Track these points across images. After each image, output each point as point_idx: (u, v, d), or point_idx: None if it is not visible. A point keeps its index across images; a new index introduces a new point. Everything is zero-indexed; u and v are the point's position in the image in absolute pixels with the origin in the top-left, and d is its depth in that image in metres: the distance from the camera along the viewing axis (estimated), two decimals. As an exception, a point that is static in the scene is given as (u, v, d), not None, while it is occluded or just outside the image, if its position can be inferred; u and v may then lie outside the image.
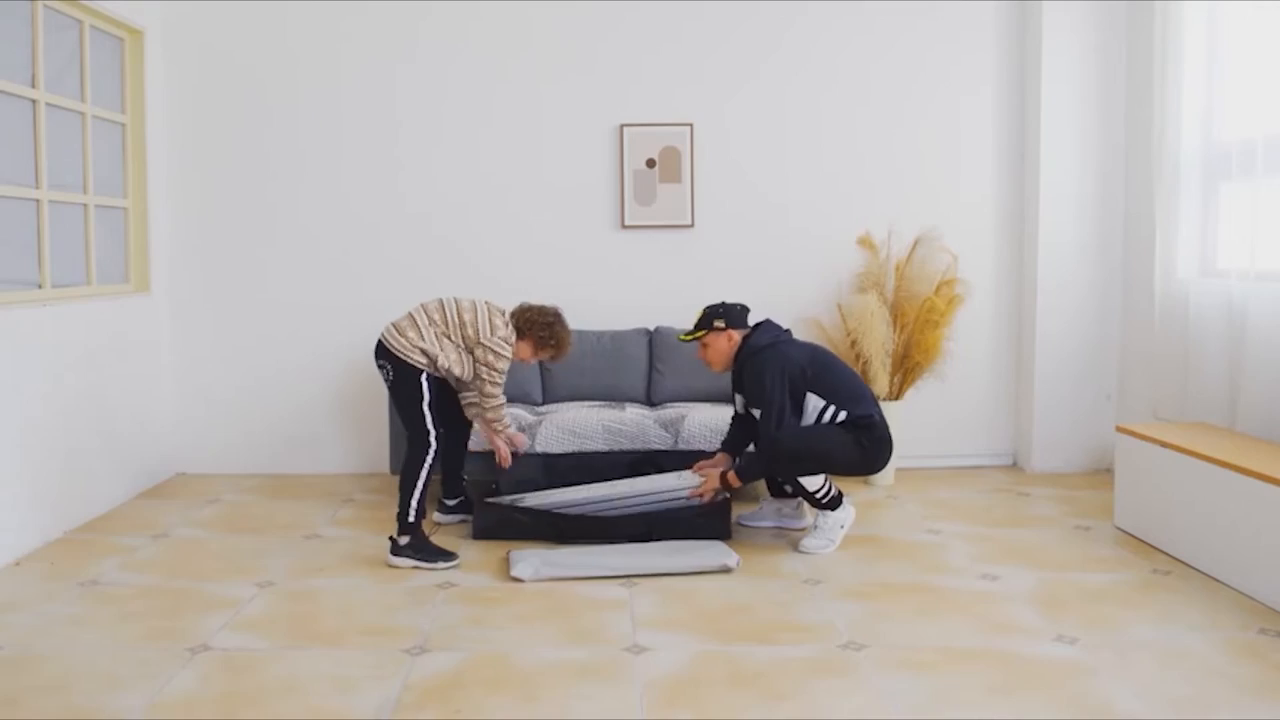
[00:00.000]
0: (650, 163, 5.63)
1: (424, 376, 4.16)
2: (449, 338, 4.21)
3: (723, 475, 4.31)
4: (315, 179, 5.64)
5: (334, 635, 3.36)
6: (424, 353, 4.16)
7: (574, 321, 5.56)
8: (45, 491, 4.42)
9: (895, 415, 5.40)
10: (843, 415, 4.19)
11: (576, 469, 4.77)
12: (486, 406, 4.30)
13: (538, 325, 4.35)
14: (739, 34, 5.63)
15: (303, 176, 5.64)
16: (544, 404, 5.31)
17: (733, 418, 4.64)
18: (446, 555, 4.03)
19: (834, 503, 4.27)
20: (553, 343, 4.37)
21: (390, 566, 4.00)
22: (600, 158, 5.66)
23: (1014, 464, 5.83)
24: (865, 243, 5.56)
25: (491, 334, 4.22)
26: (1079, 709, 2.81)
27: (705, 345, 4.37)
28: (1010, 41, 5.67)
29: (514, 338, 4.28)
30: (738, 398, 4.51)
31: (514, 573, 3.90)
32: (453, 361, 4.21)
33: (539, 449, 4.79)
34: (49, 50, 4.61)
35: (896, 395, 5.44)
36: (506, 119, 5.64)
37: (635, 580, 3.87)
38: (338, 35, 5.59)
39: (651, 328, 5.57)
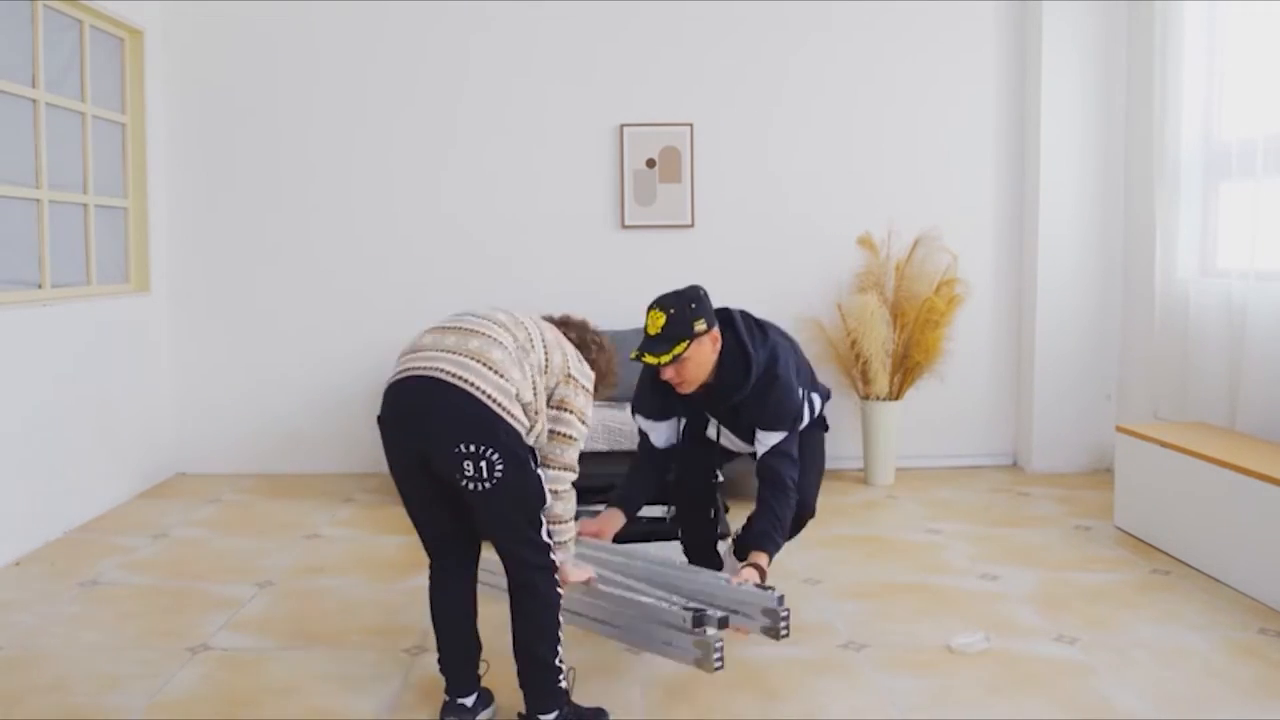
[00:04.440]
0: (650, 163, 5.63)
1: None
2: (524, 374, 2.56)
3: (759, 570, 3.00)
4: (314, 179, 5.64)
5: (334, 635, 3.36)
6: (524, 409, 2.54)
7: (574, 321, 5.63)
8: (45, 491, 4.42)
9: (895, 415, 5.42)
10: (818, 402, 3.38)
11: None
12: (560, 491, 2.66)
13: (600, 347, 2.88)
14: (739, 34, 5.63)
15: (302, 176, 5.64)
16: (544, 404, 5.30)
17: (644, 452, 3.33)
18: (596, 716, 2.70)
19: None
20: (609, 370, 2.91)
21: None
22: (600, 158, 5.66)
23: (1014, 464, 5.83)
24: (865, 243, 5.56)
25: (580, 361, 2.73)
26: (1079, 709, 2.81)
27: (684, 362, 3.00)
28: (1010, 41, 5.66)
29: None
30: (671, 424, 3.28)
31: (514, 573, 3.89)
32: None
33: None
34: (49, 50, 4.61)
35: (896, 395, 5.44)
36: (506, 119, 5.64)
37: (635, 580, 3.86)
38: (337, 34, 5.59)
39: (651, 328, 5.56)
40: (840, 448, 5.70)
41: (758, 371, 3.08)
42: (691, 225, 5.67)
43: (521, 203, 5.68)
